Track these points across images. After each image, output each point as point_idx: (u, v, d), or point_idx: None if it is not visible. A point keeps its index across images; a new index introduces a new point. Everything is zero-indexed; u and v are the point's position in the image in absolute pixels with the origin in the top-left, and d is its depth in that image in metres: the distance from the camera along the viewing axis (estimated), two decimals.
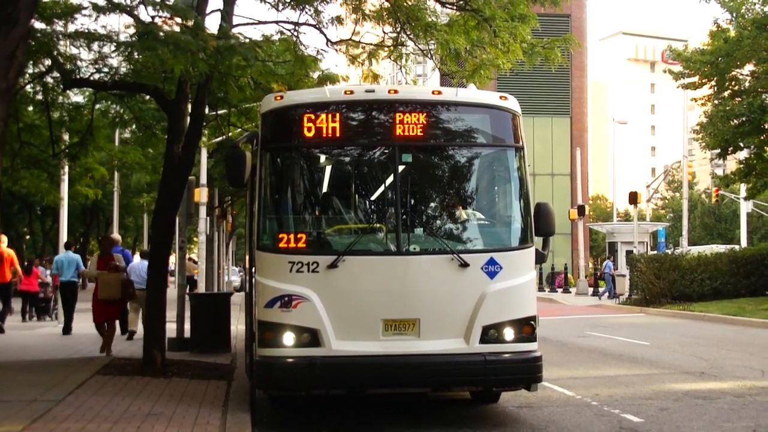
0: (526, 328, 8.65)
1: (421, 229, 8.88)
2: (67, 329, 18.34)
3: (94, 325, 14.60)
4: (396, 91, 9.07)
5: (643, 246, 41.03)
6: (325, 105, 8.87)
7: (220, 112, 17.80)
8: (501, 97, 9.22)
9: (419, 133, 8.78)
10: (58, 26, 12.37)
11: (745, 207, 47.41)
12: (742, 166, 30.01)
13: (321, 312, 8.30)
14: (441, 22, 13.08)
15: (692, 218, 69.96)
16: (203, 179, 24.11)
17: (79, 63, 12.89)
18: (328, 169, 9.28)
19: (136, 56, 11.58)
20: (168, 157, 12.69)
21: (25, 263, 27.32)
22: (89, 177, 21.36)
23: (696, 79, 29.82)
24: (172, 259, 22.68)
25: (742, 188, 37.46)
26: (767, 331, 20.47)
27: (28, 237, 53.55)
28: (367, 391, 8.84)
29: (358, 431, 9.08)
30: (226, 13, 12.09)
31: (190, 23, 10.81)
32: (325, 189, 9.26)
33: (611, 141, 70.36)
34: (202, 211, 24.54)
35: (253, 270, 8.96)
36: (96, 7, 11.63)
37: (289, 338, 8.32)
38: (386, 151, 8.92)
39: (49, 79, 13.89)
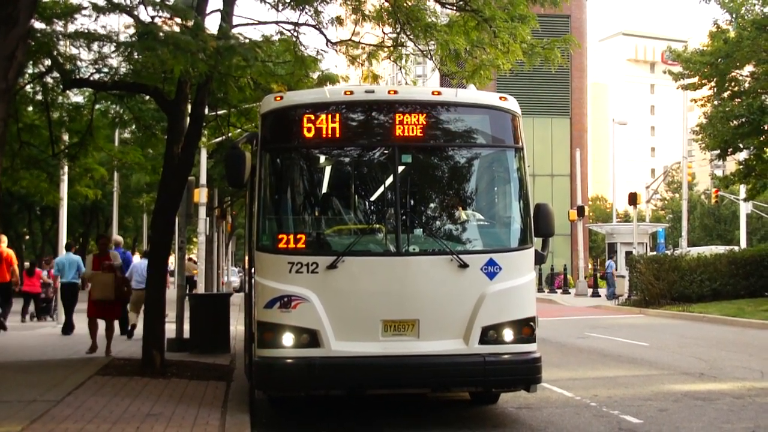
0: (525, 329, 8.65)
1: (421, 229, 8.87)
2: (67, 329, 18.35)
3: (89, 321, 14.54)
4: (396, 92, 9.06)
5: (642, 247, 41.01)
6: (324, 105, 8.87)
7: (219, 112, 17.80)
8: (501, 98, 9.22)
9: (419, 134, 8.78)
10: (58, 26, 12.37)
11: (745, 208, 47.40)
12: (741, 167, 30.02)
13: (320, 313, 8.29)
14: (441, 22, 13.08)
15: (692, 219, 69.95)
16: (203, 179, 24.13)
17: (78, 63, 12.90)
18: (328, 169, 9.28)
19: (136, 56, 11.58)
20: (167, 158, 12.69)
21: (26, 264, 27.31)
22: (89, 177, 21.37)
23: (696, 80, 29.83)
24: (172, 260, 22.69)
25: (742, 189, 37.46)
26: (766, 332, 20.47)
27: (27, 237, 53.51)
28: (367, 391, 8.84)
29: None
30: (226, 13, 12.09)
31: (190, 23, 10.81)
32: (324, 189, 9.25)
33: (611, 142, 70.47)
34: (202, 211, 24.56)
35: (253, 270, 8.96)
36: (96, 7, 11.63)
37: (288, 339, 8.31)
38: (386, 151, 8.92)
39: (48, 80, 13.89)
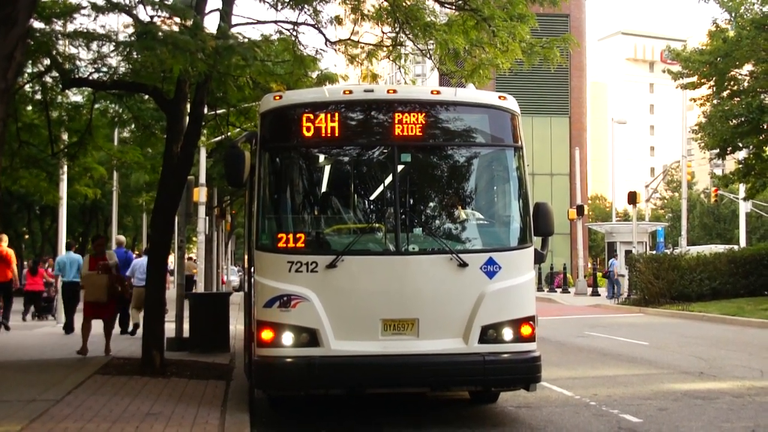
0: (525, 328, 8.65)
1: (420, 228, 8.88)
2: (68, 328, 18.38)
3: (83, 322, 14.47)
4: (395, 91, 9.07)
5: (642, 246, 41.03)
6: (324, 105, 8.87)
7: (219, 111, 17.80)
8: (500, 97, 9.22)
9: (418, 133, 8.78)
10: (57, 26, 12.37)
11: (744, 207, 47.40)
12: (740, 166, 30.03)
13: (320, 312, 8.30)
14: (440, 21, 13.08)
15: (691, 218, 69.97)
16: (202, 179, 24.13)
17: (78, 63, 12.90)
18: (327, 168, 9.28)
19: (135, 56, 11.58)
20: (167, 157, 12.69)
21: (26, 263, 27.33)
22: (88, 176, 21.40)
23: (695, 79, 29.84)
24: (171, 259, 22.69)
25: (741, 188, 37.48)
26: (766, 331, 20.47)
27: (27, 236, 53.51)
28: (366, 391, 8.83)
29: (357, 431, 9.08)
30: (225, 12, 12.08)
31: (189, 23, 10.81)
32: (324, 189, 9.26)
33: (610, 141, 70.51)
34: (201, 210, 24.57)
35: (252, 270, 8.96)
36: (95, 7, 11.62)
37: (288, 338, 8.31)
38: (385, 150, 8.92)
39: (48, 79, 13.89)
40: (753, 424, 9.06)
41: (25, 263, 27.53)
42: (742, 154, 30.85)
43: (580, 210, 44.17)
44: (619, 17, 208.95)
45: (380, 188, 9.00)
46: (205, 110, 14.28)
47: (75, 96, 17.86)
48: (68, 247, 19.79)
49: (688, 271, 28.69)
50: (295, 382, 8.38)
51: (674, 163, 65.34)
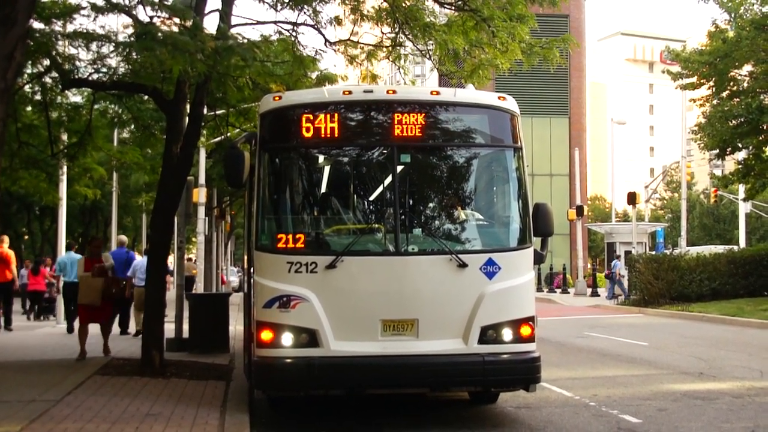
0: (524, 328, 8.64)
1: (420, 229, 8.87)
2: (70, 328, 18.40)
3: (79, 327, 14.33)
4: (394, 92, 9.07)
5: (641, 246, 41.04)
6: (323, 105, 8.87)
7: (218, 112, 17.80)
8: (499, 98, 9.22)
9: (417, 134, 8.77)
10: (57, 26, 12.38)
11: (744, 207, 47.41)
12: (740, 166, 30.03)
13: (319, 312, 8.29)
14: (439, 22, 13.09)
15: (691, 219, 69.97)
16: (202, 179, 24.12)
17: (77, 63, 12.90)
18: (327, 169, 9.27)
19: (135, 56, 11.58)
20: (166, 158, 12.70)
21: (24, 264, 27.32)
22: (88, 177, 21.39)
23: (694, 79, 29.84)
24: (171, 259, 22.68)
25: (741, 189, 37.48)
26: (766, 331, 20.47)
27: (26, 237, 53.53)
28: (366, 391, 8.84)
29: (356, 431, 9.08)
30: (225, 13, 12.08)
31: (189, 23, 10.80)
32: (323, 189, 9.25)
33: (610, 141, 70.56)
34: (201, 211, 24.55)
35: (252, 270, 8.96)
36: (94, 8, 11.62)
37: (287, 339, 8.31)
38: (385, 151, 8.92)
39: (47, 79, 13.89)
40: (753, 424, 9.05)
41: (24, 264, 27.46)
42: (741, 155, 30.86)
43: (579, 210, 44.19)
44: (619, 18, 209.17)
45: (380, 189, 9.00)
46: (205, 111, 14.28)
47: (74, 96, 17.87)
48: (69, 248, 19.81)
49: (687, 272, 28.69)
50: (295, 382, 8.38)
51: (674, 163, 65.31)
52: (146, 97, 14.82)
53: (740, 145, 29.28)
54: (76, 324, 18.03)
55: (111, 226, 36.37)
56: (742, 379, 12.24)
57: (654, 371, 13.15)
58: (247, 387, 10.28)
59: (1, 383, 10.81)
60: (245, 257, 11.19)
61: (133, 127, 17.40)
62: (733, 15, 27.81)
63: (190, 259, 33.56)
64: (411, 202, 9.04)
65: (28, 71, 13.44)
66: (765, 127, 27.86)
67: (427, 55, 13.87)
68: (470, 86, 11.35)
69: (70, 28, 12.53)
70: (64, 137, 17.40)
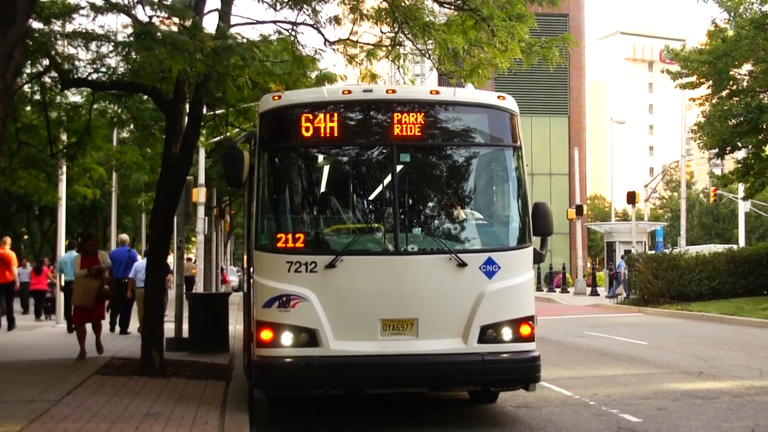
0: (524, 327, 8.64)
1: (419, 228, 8.87)
2: (71, 327, 18.39)
3: (77, 327, 14.24)
4: (394, 91, 9.06)
5: (641, 246, 41.03)
6: (323, 105, 8.87)
7: (218, 111, 17.80)
8: (499, 97, 9.22)
9: (417, 133, 8.77)
10: (56, 26, 12.37)
11: (743, 207, 47.43)
12: (740, 165, 30.02)
13: (319, 312, 8.29)
14: (439, 21, 13.07)
15: (690, 218, 70.01)
16: (201, 179, 24.12)
17: (76, 63, 12.90)
18: (326, 168, 9.27)
19: (134, 56, 11.58)
20: (166, 157, 12.69)
21: (22, 263, 27.32)
22: (87, 177, 21.39)
23: (694, 78, 29.83)
24: (171, 259, 22.67)
25: (740, 188, 37.49)
26: (765, 330, 20.47)
27: (26, 237, 53.52)
28: (366, 391, 8.84)
29: (356, 431, 9.08)
30: (224, 12, 12.07)
31: (188, 23, 10.80)
32: (323, 189, 9.25)
33: (609, 140, 70.49)
34: (200, 211, 24.55)
35: (252, 270, 8.96)
36: (94, 7, 11.61)
37: (287, 338, 8.31)
38: (384, 150, 8.92)
39: (46, 79, 13.87)
40: (752, 423, 9.06)
41: (22, 263, 27.45)
42: (741, 154, 30.86)
43: (579, 210, 44.20)
44: (618, 17, 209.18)
45: (379, 188, 9.00)
46: (204, 110, 14.28)
47: (74, 96, 17.86)
48: (71, 247, 19.82)
49: (687, 271, 28.69)
50: (295, 382, 8.38)
51: (673, 162, 65.41)
52: (145, 97, 14.81)
53: (740, 144, 29.28)
54: None
55: (110, 226, 36.40)
56: (742, 378, 12.24)
57: (654, 370, 13.15)
58: (247, 387, 10.28)
59: (0, 383, 10.81)
60: (245, 257, 11.19)
61: (132, 126, 17.39)
62: (732, 14, 27.79)
63: (189, 259, 33.57)
64: (410, 201, 9.03)
65: (28, 71, 13.42)
66: (764, 126, 27.86)
67: (427, 55, 13.86)
68: (470, 85, 11.35)
69: (69, 27, 12.54)
70: (64, 137, 17.40)
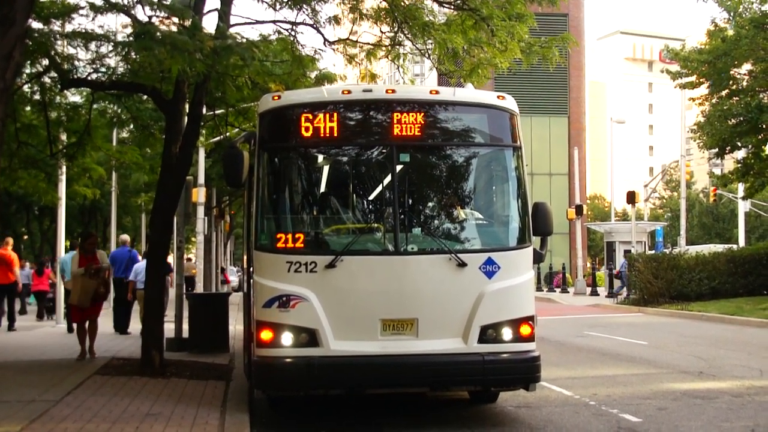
0: (524, 327, 8.64)
1: (419, 228, 8.87)
2: (71, 327, 18.40)
3: (77, 327, 14.21)
4: (393, 91, 9.06)
5: (641, 245, 41.02)
6: (322, 105, 8.86)
7: (217, 111, 17.80)
8: (499, 97, 9.22)
9: (417, 133, 8.77)
10: (56, 26, 12.36)
11: (743, 206, 47.43)
12: (739, 165, 30.02)
13: (319, 312, 8.29)
14: (438, 21, 13.07)
15: (690, 218, 70.03)
16: (201, 179, 24.11)
17: (76, 63, 12.88)
18: (326, 168, 9.27)
19: (134, 56, 11.57)
20: (165, 157, 12.69)
21: (21, 262, 27.31)
22: (87, 177, 21.36)
23: (693, 78, 29.83)
24: (170, 259, 22.67)
25: (740, 188, 37.48)
26: (765, 330, 20.47)
27: (26, 237, 53.50)
28: (366, 391, 8.84)
29: (356, 431, 9.07)
30: (224, 12, 12.07)
31: (188, 23, 10.80)
32: (322, 189, 9.25)
33: (609, 140, 70.46)
34: (200, 211, 24.54)
35: (251, 270, 8.95)
36: (93, 7, 11.61)
37: (287, 338, 8.31)
38: (384, 150, 8.92)
39: (46, 79, 13.87)
40: (752, 423, 9.05)
41: (22, 265, 27.45)
42: (740, 154, 30.86)
43: (579, 210, 44.18)
44: (618, 16, 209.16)
45: (379, 188, 9.00)
46: (204, 110, 14.28)
47: (73, 96, 17.85)
48: (72, 248, 19.83)
49: (687, 271, 28.68)
50: (295, 382, 8.38)
51: (673, 162, 65.40)
52: (145, 97, 14.81)
53: (739, 144, 29.27)
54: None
55: (110, 226, 36.37)
56: (742, 378, 12.24)
57: (654, 370, 13.15)
58: (247, 387, 10.28)
59: (0, 383, 10.80)
60: (245, 257, 11.19)
61: (132, 126, 17.39)
62: (732, 14, 27.78)
63: (189, 259, 33.56)
64: (410, 201, 9.03)
65: (27, 71, 13.42)
66: (764, 126, 27.86)
67: (426, 55, 13.85)
68: (469, 85, 11.35)
69: (68, 27, 12.53)
70: (63, 137, 17.39)
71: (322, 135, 8.69)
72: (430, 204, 9.25)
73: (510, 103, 9.18)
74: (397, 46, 13.91)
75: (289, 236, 8.59)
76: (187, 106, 13.03)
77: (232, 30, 11.61)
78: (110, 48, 12.04)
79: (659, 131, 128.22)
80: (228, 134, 17.97)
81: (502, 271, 8.59)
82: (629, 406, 10.00)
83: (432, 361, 8.38)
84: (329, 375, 8.27)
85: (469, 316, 8.45)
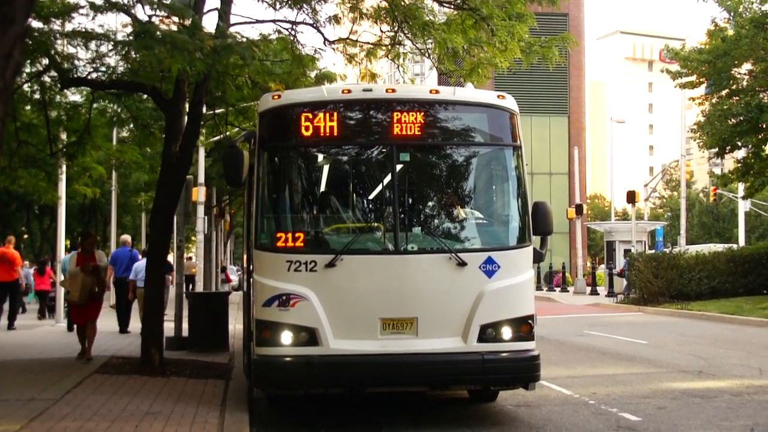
0: (524, 326, 8.65)
1: (419, 228, 8.88)
2: (71, 326, 18.40)
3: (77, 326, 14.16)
4: (393, 90, 9.06)
5: (641, 245, 41.03)
6: (322, 104, 8.87)
7: (217, 111, 17.80)
8: (499, 96, 9.22)
9: (417, 133, 8.78)
10: (56, 25, 12.36)
11: (743, 206, 47.44)
12: (739, 165, 30.02)
13: (319, 311, 8.30)
14: (439, 20, 13.07)
15: (690, 217, 70.03)
16: (201, 178, 24.12)
17: (76, 62, 12.88)
18: (326, 168, 9.28)
19: (134, 55, 11.58)
20: (165, 157, 12.70)
21: (26, 263, 27.36)
22: (87, 176, 21.39)
23: (693, 78, 29.83)
24: (171, 258, 22.68)
25: (740, 187, 37.48)
26: (765, 329, 20.47)
27: (26, 236, 53.52)
28: (365, 390, 8.84)
29: (356, 430, 9.08)
30: (224, 12, 12.08)
31: (188, 22, 10.80)
32: (322, 188, 9.25)
33: (609, 140, 70.52)
34: (200, 210, 24.54)
35: (251, 269, 8.96)
36: (93, 6, 11.61)
37: (286, 337, 8.31)
38: (384, 150, 8.92)
39: (46, 79, 13.87)
40: (752, 422, 9.06)
41: (25, 263, 27.50)
42: (740, 153, 30.86)
43: (579, 209, 44.21)
44: (618, 16, 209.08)
45: (379, 187, 9.00)
46: (204, 110, 14.28)
47: (73, 95, 17.85)
48: (74, 247, 19.84)
49: (687, 270, 28.69)
50: (294, 381, 8.38)
51: (673, 162, 65.42)
52: (145, 96, 14.81)
53: (739, 144, 29.27)
54: None
55: (110, 225, 36.39)
56: (741, 377, 12.25)
57: (653, 369, 13.16)
58: (247, 385, 10.28)
59: (0, 382, 10.81)
60: (245, 256, 11.19)
61: (132, 126, 17.40)
62: (732, 13, 27.78)
63: (189, 258, 33.57)
64: (410, 200, 9.04)
65: (27, 70, 13.42)
66: (764, 126, 27.86)
67: (426, 54, 13.86)
68: (469, 85, 11.35)
69: (68, 27, 12.53)
70: (63, 136, 17.40)
71: (322, 134, 8.70)
72: (430, 203, 9.25)
73: (510, 102, 9.18)
74: (397, 46, 13.91)
75: (289, 235, 8.59)
76: (187, 106, 13.04)
77: (232, 29, 11.62)
78: (110, 47, 12.05)
79: (659, 131, 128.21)
80: (228, 133, 17.98)
81: (502, 271, 8.60)
82: (629, 405, 10.01)
83: (432, 360, 8.38)
84: (329, 374, 8.28)
85: (469, 315, 8.46)
